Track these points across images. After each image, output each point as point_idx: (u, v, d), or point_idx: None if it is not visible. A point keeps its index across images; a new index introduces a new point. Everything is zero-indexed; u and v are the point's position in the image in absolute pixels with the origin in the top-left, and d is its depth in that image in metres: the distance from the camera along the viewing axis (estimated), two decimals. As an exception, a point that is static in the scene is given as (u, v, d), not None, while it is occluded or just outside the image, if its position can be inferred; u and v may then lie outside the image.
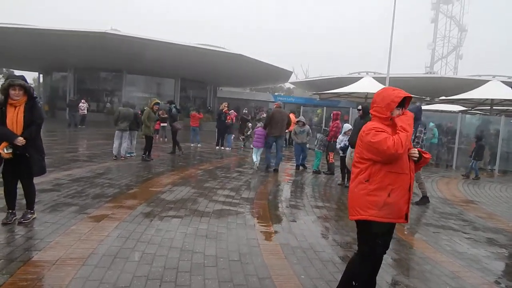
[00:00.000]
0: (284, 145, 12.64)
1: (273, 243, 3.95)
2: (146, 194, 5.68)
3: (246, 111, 16.73)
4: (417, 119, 6.30)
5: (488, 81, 15.58)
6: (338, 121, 8.97)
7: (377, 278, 2.68)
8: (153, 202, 5.23)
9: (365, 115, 6.62)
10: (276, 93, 47.74)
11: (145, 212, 4.66)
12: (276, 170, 8.81)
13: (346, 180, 7.49)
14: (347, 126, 7.69)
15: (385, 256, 2.62)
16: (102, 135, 15.36)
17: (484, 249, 4.32)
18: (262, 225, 4.56)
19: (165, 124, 13.98)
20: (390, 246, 2.64)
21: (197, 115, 13.99)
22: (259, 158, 9.25)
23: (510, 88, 13.37)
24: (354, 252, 2.67)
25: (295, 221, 4.88)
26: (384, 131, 2.36)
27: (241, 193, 6.24)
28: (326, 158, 9.13)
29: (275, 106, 9.68)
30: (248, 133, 14.60)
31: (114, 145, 9.11)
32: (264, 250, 3.70)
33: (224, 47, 25.58)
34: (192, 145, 13.48)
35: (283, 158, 10.23)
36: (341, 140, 7.77)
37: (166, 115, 12.61)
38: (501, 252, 4.25)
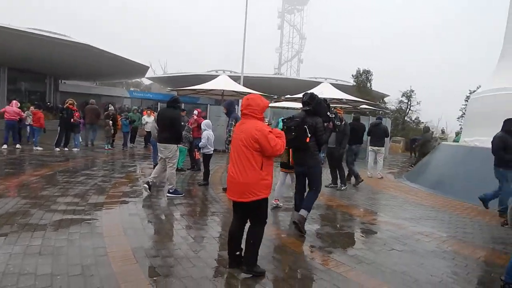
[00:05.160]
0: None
1: (123, 248, 3.65)
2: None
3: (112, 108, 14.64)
4: (230, 113, 6.62)
5: (321, 82, 18.40)
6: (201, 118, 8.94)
7: None
8: (-37, 221, 4.12)
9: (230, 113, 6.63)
10: (132, 89, 44.93)
11: None
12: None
13: None
14: (208, 123, 7.41)
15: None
16: None
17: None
18: (112, 231, 4.16)
19: None
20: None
21: (39, 112, 11.73)
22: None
23: (336, 90, 16.09)
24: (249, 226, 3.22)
25: (150, 222, 4.66)
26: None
27: (88, 199, 5.55)
28: (192, 154, 9.03)
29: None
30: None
31: None
32: (113, 257, 3.37)
33: (70, 35, 22.35)
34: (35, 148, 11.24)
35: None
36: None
37: None
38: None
